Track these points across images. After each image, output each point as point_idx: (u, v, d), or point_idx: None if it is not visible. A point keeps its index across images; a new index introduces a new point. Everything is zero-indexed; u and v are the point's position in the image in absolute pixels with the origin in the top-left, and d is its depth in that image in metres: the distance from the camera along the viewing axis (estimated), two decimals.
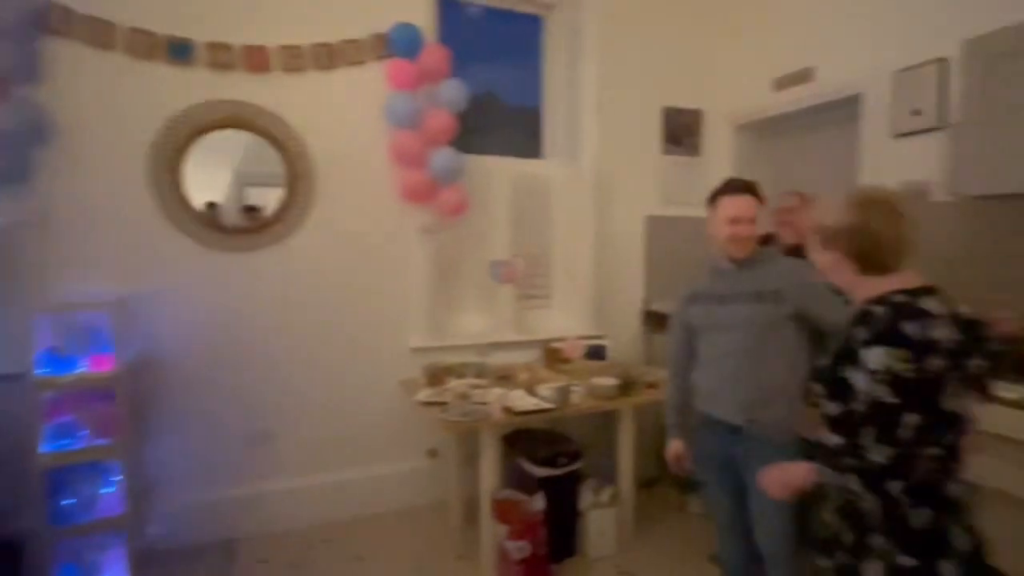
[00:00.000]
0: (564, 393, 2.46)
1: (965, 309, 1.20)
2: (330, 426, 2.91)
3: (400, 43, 2.75)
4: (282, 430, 2.83)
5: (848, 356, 1.17)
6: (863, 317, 1.18)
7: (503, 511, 2.38)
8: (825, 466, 1.20)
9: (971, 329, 1.16)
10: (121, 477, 2.28)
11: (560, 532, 2.51)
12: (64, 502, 2.23)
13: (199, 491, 2.68)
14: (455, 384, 2.51)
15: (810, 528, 1.65)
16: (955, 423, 1.14)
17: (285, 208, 2.75)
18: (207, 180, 2.67)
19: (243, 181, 2.81)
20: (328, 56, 2.77)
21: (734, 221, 1.77)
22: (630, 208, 3.48)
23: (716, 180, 3.44)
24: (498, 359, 3.00)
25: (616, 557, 2.60)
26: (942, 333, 1.11)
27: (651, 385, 2.69)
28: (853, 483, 1.13)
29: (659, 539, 2.76)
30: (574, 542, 2.59)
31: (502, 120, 3.52)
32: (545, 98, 3.53)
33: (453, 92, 2.82)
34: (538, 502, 2.38)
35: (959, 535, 1.15)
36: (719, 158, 3.60)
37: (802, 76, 3.07)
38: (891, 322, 1.12)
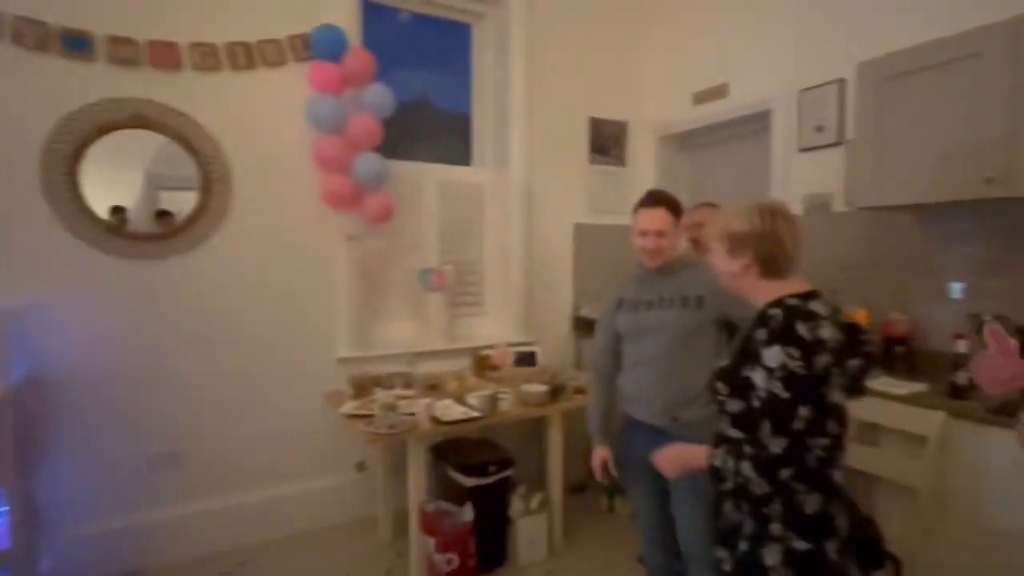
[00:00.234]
0: (493, 401, 2.46)
1: (841, 312, 1.31)
2: (249, 443, 2.76)
3: (322, 45, 2.68)
4: (195, 450, 2.66)
5: (750, 356, 1.24)
6: (762, 319, 1.26)
7: (431, 523, 2.34)
8: (723, 452, 1.26)
9: (849, 330, 1.27)
10: (7, 507, 2.07)
11: (490, 541, 2.49)
12: None
13: (101, 519, 2.47)
14: (382, 395, 2.45)
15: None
16: (839, 416, 1.24)
17: (198, 214, 2.60)
18: (113, 183, 2.49)
19: (156, 184, 2.63)
20: (245, 56, 2.65)
21: (643, 234, 1.83)
22: (559, 216, 3.54)
23: (641, 190, 3.56)
24: (427, 368, 2.96)
25: (546, 563, 2.61)
26: (828, 333, 1.20)
27: (580, 390, 2.72)
28: (746, 469, 1.19)
29: (588, 543, 2.79)
30: (504, 551, 2.59)
31: (436, 126, 3.49)
32: (474, 105, 3.54)
33: (379, 96, 2.77)
34: (466, 512, 2.36)
35: (842, 518, 1.26)
36: (644, 168, 3.73)
37: (718, 92, 3.23)
38: (786, 323, 1.20)
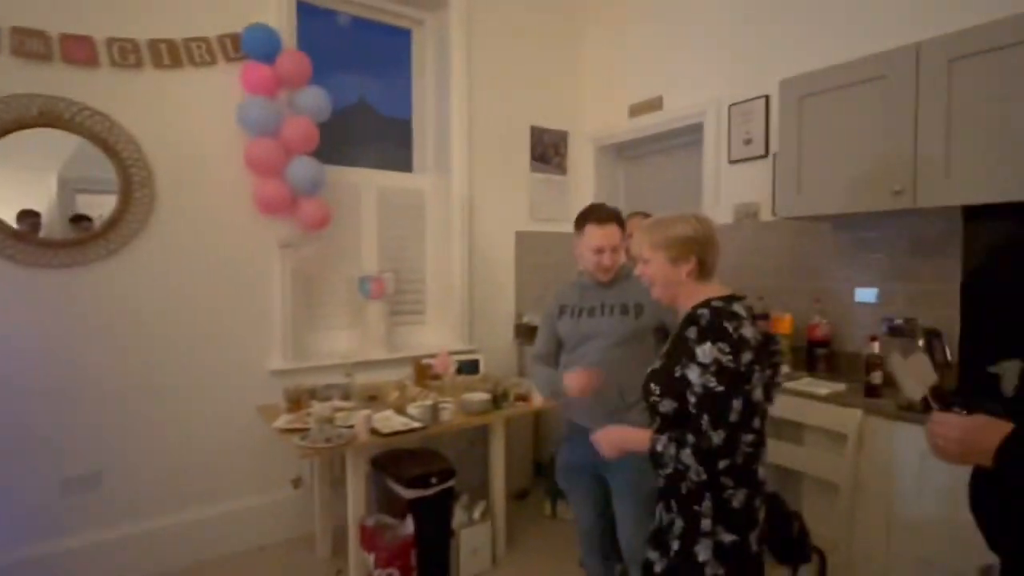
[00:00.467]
0: (434, 411, 2.43)
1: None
2: (176, 461, 2.61)
3: (254, 45, 2.58)
4: (116, 470, 2.49)
5: (683, 355, 1.30)
6: (691, 319, 1.33)
7: (371, 538, 2.28)
8: (666, 439, 1.30)
9: (762, 340, 1.35)
10: None
11: (432, 554, 2.45)
12: None
13: (7, 550, 2.27)
14: (318, 407, 2.37)
15: None
16: (762, 413, 1.32)
17: (117, 219, 2.45)
18: (21, 186, 2.31)
19: (71, 188, 2.46)
20: (171, 54, 2.52)
21: (599, 251, 1.86)
22: (501, 223, 3.54)
23: (581, 198, 3.69)
24: (366, 379, 2.89)
25: (490, 573, 2.59)
26: (750, 332, 1.28)
27: (522, 397, 2.73)
28: (687, 457, 1.25)
29: (532, 550, 2.80)
30: (447, 563, 2.54)
31: (377, 132, 3.44)
32: (415, 111, 3.50)
33: (315, 99, 2.70)
34: (407, 525, 2.32)
35: (762, 510, 1.34)
36: (584, 177, 3.80)
37: (653, 104, 3.34)
38: (715, 321, 1.28)
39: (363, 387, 2.74)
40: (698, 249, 1.36)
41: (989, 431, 0.86)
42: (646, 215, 2.55)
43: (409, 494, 2.39)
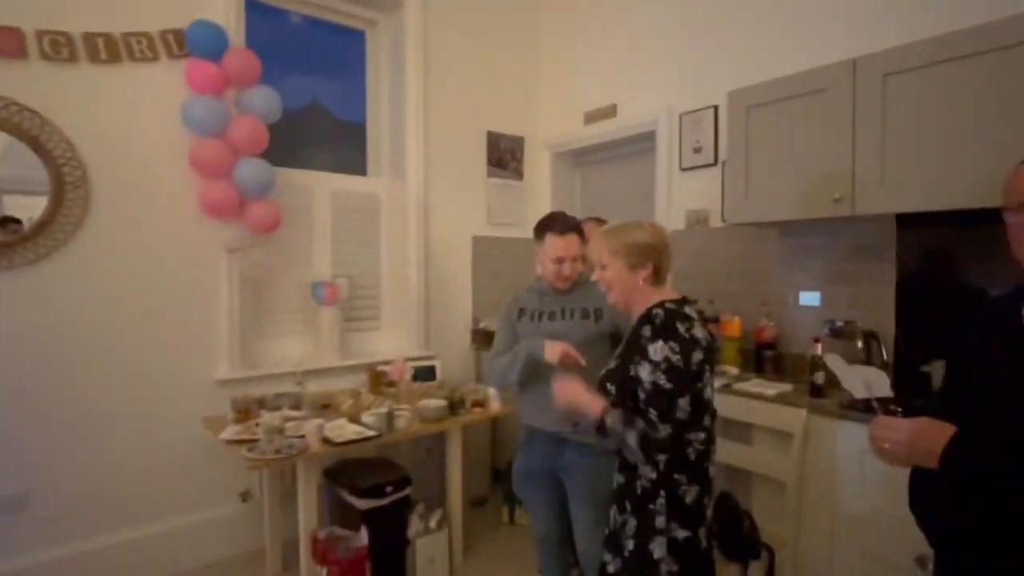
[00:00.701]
0: (389, 418, 2.38)
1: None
2: (115, 479, 2.47)
3: (199, 42, 2.49)
4: (46, 489, 2.33)
5: (636, 353, 1.34)
6: (647, 319, 1.37)
7: (324, 551, 2.21)
8: (618, 415, 1.31)
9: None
10: None
11: (387, 565, 2.39)
12: None
13: None
14: (267, 417, 2.29)
15: None
16: (712, 412, 1.38)
17: (48, 221, 2.31)
18: None
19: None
20: (108, 48, 2.40)
21: (559, 261, 1.87)
22: (457, 228, 3.52)
23: (538, 203, 3.71)
24: (319, 387, 2.82)
25: None
26: (700, 333, 1.34)
27: (479, 403, 2.71)
28: (632, 439, 1.27)
29: (490, 557, 2.77)
30: (403, 573, 2.49)
31: (331, 134, 3.36)
32: (369, 114, 3.45)
33: (264, 99, 2.62)
34: (361, 537, 2.26)
35: (710, 507, 1.39)
36: (540, 183, 3.82)
37: (607, 112, 3.39)
38: (667, 322, 1.33)
39: (315, 395, 2.67)
40: (655, 256, 1.42)
41: (935, 435, 0.90)
42: (601, 221, 2.57)
43: (363, 504, 2.34)
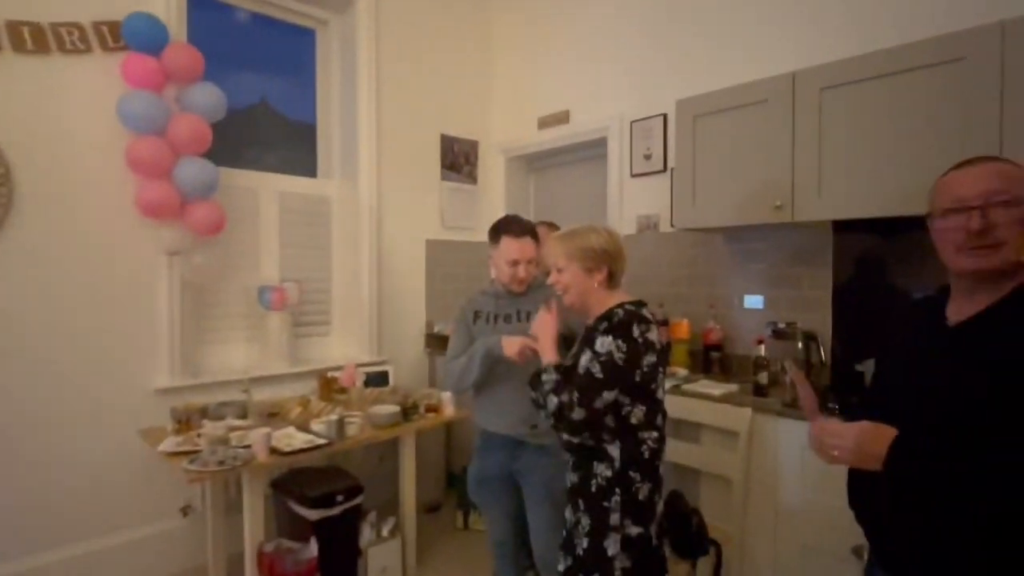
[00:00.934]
0: (340, 426, 2.32)
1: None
2: (47, 493, 2.32)
3: (136, 35, 2.37)
4: None
5: (585, 344, 1.39)
6: (606, 317, 1.41)
7: (270, 565, 2.14)
8: (554, 376, 1.38)
9: None
10: None
11: None
12: None
13: None
14: (210, 427, 2.20)
15: None
16: (664, 412, 1.43)
17: None
18: None
19: None
20: (35, 38, 2.26)
21: (514, 263, 1.88)
22: (410, 231, 3.48)
23: (492, 207, 3.71)
24: (266, 395, 2.73)
25: None
26: (655, 336, 1.38)
27: (433, 408, 2.69)
28: (552, 404, 1.35)
29: (444, 563, 2.74)
30: None
31: (281, 134, 3.26)
32: (319, 114, 3.37)
33: (207, 96, 2.52)
34: (310, 548, 2.20)
35: (660, 504, 1.44)
36: (494, 187, 3.83)
37: (560, 118, 3.43)
38: (626, 321, 1.37)
39: (262, 404, 2.58)
40: (609, 260, 1.45)
41: (878, 438, 0.94)
42: (553, 226, 2.60)
43: (313, 515, 2.27)
